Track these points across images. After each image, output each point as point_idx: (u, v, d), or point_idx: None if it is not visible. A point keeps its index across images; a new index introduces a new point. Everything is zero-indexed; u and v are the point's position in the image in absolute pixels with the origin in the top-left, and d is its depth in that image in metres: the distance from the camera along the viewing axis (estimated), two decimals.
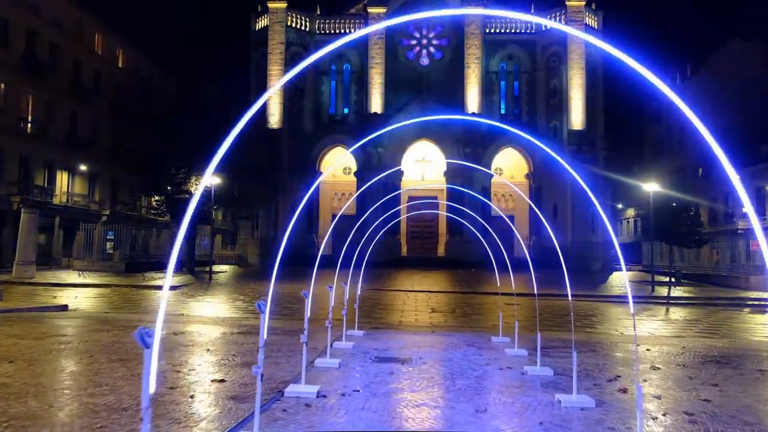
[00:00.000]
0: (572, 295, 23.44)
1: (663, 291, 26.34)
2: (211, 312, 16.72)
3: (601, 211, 6.19)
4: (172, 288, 23.49)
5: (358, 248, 14.61)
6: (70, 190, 39.30)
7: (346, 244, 12.28)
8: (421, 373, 7.63)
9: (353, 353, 9.03)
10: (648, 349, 10.77)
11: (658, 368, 8.53)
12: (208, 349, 9.04)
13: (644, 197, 54.93)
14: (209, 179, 27.71)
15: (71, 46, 39.05)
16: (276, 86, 28.29)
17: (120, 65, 45.07)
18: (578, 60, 41.44)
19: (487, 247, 12.54)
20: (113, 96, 41.05)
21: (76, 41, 39.65)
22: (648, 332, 15.39)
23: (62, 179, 38.45)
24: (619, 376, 7.89)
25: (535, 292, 9.02)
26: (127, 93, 36.57)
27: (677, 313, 20.35)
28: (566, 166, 6.51)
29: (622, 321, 17.47)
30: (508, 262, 11.01)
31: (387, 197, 31.47)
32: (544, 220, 8.41)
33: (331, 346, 9.39)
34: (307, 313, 6.33)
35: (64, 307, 15.71)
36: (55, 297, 18.74)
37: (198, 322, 13.30)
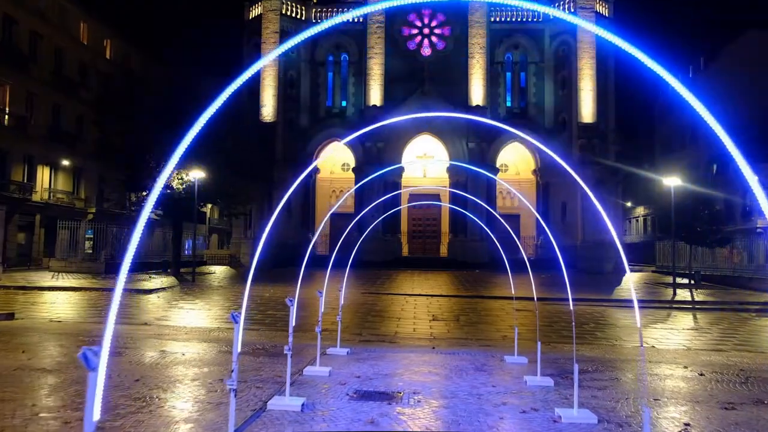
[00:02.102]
0: (587, 300, 20.96)
1: (684, 294, 24.21)
2: (181, 320, 14.67)
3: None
4: (150, 291, 21.48)
5: (356, 248, 12.65)
6: (52, 187, 37.28)
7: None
8: (413, 420, 5.54)
9: (327, 385, 6.93)
10: (701, 374, 8.65)
11: (733, 407, 6.40)
12: (138, 379, 6.96)
13: (656, 194, 52.81)
14: (194, 173, 25.75)
15: (54, 35, 37.03)
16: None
17: (108, 56, 43.04)
18: (589, 49, 39.22)
19: (499, 246, 10.44)
20: (100, 88, 39.05)
21: (59, 30, 37.62)
22: (682, 345, 13.31)
23: (43, 175, 36.41)
24: (689, 425, 5.75)
25: (570, 296, 6.88)
26: (111, 84, 34.58)
27: (705, 319, 18.23)
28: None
29: (649, 330, 15.36)
30: (527, 262, 8.94)
31: (387, 195, 29.50)
32: (604, 214, 6.31)
33: (301, 373, 7.32)
34: (237, 348, 4.22)
35: (10, 316, 13.66)
36: (8, 303, 16.70)
37: (154, 336, 11.23)
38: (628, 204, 60.74)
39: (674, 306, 21.00)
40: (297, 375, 7.35)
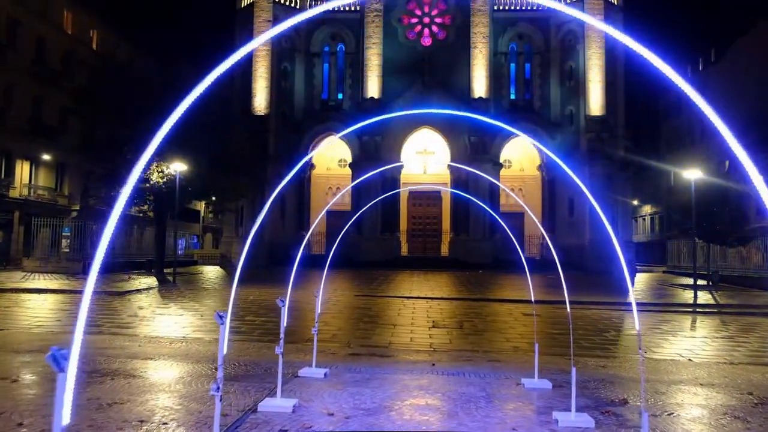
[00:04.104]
0: (603, 304, 19.02)
1: (705, 297, 22.35)
2: (144, 328, 12.82)
3: None
4: (124, 293, 19.64)
5: (334, 247, 10.89)
6: (33, 183, 35.44)
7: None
8: None
9: (286, 429, 5.05)
10: None
11: None
12: (22, 423, 5.07)
13: (665, 192, 50.74)
14: (176, 166, 23.87)
15: (35, 23, 35.19)
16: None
17: (94, 47, 41.19)
18: (597, 39, 37.30)
19: (515, 242, 8.58)
20: (84, 79, 37.23)
21: (41, 18, 35.77)
22: (722, 358, 11.44)
23: (23, 170, 34.57)
24: None
25: (632, 300, 4.99)
26: (95, 74, 32.70)
27: (735, 325, 16.35)
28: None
29: (679, 339, 13.49)
30: (556, 261, 7.10)
31: (386, 192, 27.68)
32: None
33: (255, 409, 5.44)
34: (61, 417, 2.32)
35: None
36: None
37: (98, 349, 9.36)
38: (635, 202, 58.89)
39: (698, 310, 19.12)
40: (249, 411, 5.49)
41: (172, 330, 12.68)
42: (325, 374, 7.33)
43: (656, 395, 7.17)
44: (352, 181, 38.02)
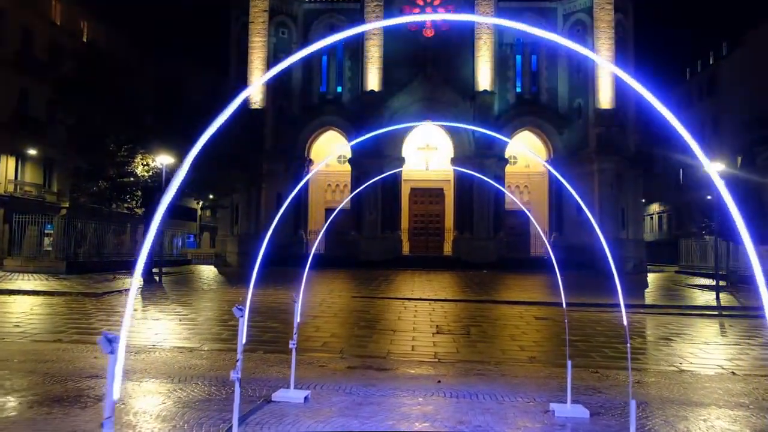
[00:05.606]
0: (620, 306, 17.34)
1: (726, 298, 20.86)
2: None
3: None
4: (103, 294, 18.24)
5: (314, 246, 9.56)
6: (18, 179, 34.01)
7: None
8: None
9: None
10: None
11: None
12: None
13: (674, 190, 49.12)
14: (162, 159, 22.44)
15: (19, 12, 33.75)
16: None
17: (84, 39, 39.76)
18: (606, 29, 35.77)
19: (547, 242, 7.17)
20: (72, 71, 35.84)
21: (26, 8, 34.33)
22: (765, 369, 10.00)
23: (8, 165, 33.11)
24: None
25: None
26: (83, 66, 31.30)
27: (766, 330, 14.84)
28: None
29: (713, 347, 12.01)
30: (612, 264, 5.69)
31: (387, 191, 26.35)
32: None
33: None
34: None
35: None
36: None
37: (40, 361, 7.94)
38: (642, 200, 57.34)
39: (724, 313, 17.63)
40: None
41: (143, 337, 11.23)
42: (305, 398, 5.88)
43: (722, 429, 5.72)
44: (352, 179, 36.62)
